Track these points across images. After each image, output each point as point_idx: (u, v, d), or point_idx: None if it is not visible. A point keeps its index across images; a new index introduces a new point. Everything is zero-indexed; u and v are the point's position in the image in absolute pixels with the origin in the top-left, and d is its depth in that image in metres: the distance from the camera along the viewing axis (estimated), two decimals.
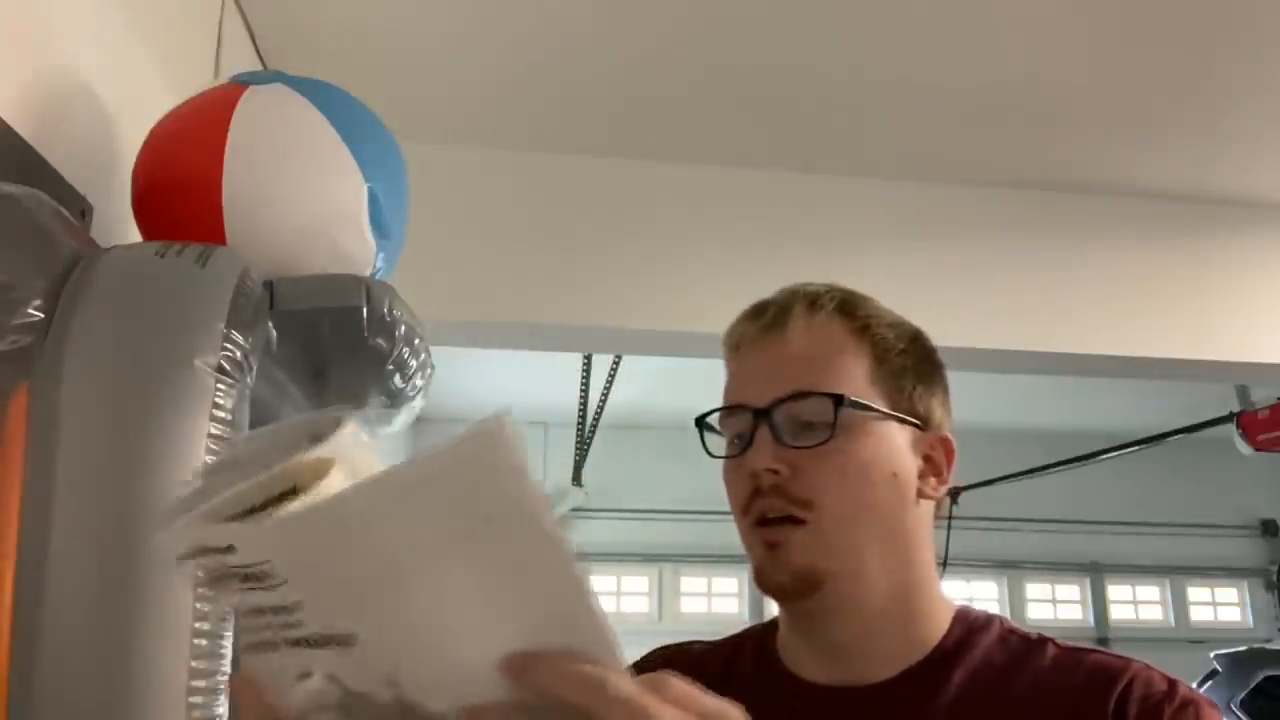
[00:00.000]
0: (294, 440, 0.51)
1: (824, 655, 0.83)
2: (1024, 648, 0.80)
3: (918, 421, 0.83)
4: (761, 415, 0.80)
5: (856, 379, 0.81)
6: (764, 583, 0.81)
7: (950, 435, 0.86)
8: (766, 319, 0.84)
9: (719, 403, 0.87)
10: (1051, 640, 0.81)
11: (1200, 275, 2.91)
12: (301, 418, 0.53)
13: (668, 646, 0.96)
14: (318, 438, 0.50)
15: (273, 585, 0.47)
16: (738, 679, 0.87)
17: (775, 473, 0.79)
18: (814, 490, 0.78)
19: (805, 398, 0.80)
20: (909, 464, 0.82)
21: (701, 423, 0.87)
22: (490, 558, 0.44)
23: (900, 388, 0.83)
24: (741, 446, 0.82)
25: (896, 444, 0.82)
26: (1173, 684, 0.75)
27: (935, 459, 0.84)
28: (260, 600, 0.48)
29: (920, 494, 0.83)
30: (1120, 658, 0.78)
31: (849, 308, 0.85)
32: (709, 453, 0.87)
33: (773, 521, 0.79)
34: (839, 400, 0.79)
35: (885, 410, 0.81)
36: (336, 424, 0.51)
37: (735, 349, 0.87)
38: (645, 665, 0.93)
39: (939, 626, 0.82)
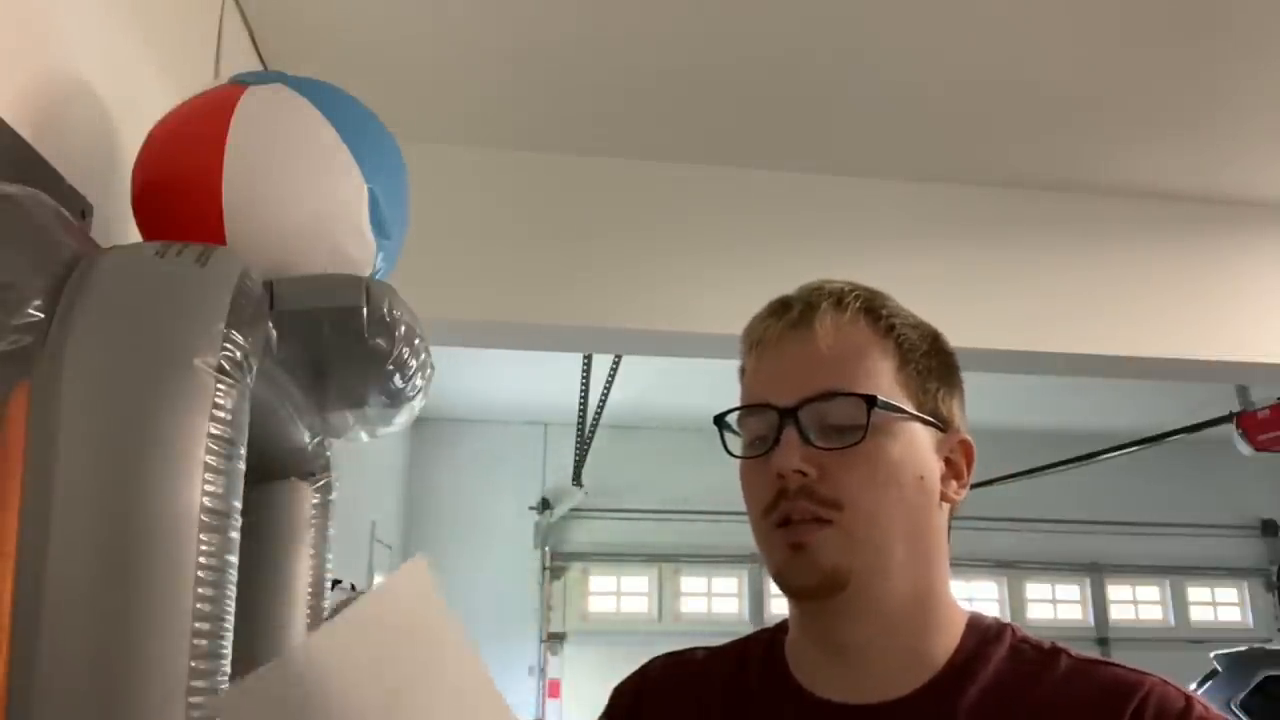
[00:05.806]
0: None
1: (837, 662, 0.81)
2: (1038, 659, 0.79)
3: (940, 424, 0.82)
4: (788, 415, 0.78)
5: (884, 380, 0.80)
6: (787, 584, 0.79)
7: (969, 437, 0.85)
8: (792, 316, 0.82)
9: (723, 403, 0.85)
10: (1065, 651, 0.80)
11: (1201, 275, 2.91)
12: None
13: (669, 654, 0.93)
14: None
15: None
16: (745, 692, 0.85)
17: (804, 475, 0.77)
18: (843, 491, 0.77)
19: (835, 398, 0.78)
20: (933, 466, 0.81)
21: (721, 421, 0.85)
22: (435, 683, 0.49)
23: (925, 389, 0.82)
24: (765, 447, 0.79)
25: (922, 446, 0.81)
26: (1189, 700, 0.74)
27: (956, 461, 0.83)
28: None
29: (943, 497, 0.82)
30: (1135, 671, 0.76)
31: (873, 307, 0.83)
32: (729, 452, 0.84)
33: (797, 522, 0.77)
34: (872, 401, 0.78)
35: (912, 412, 0.80)
36: None
37: (757, 346, 0.84)
38: (647, 674, 0.92)
39: (953, 636, 0.81)
